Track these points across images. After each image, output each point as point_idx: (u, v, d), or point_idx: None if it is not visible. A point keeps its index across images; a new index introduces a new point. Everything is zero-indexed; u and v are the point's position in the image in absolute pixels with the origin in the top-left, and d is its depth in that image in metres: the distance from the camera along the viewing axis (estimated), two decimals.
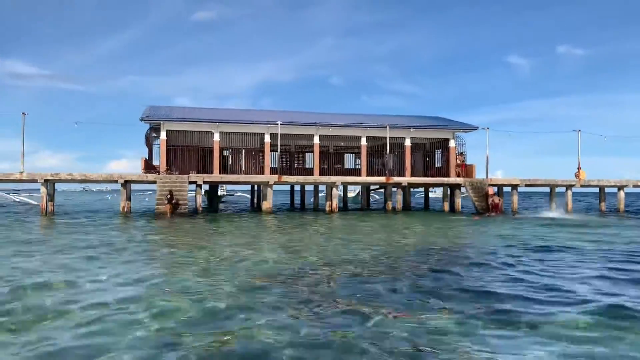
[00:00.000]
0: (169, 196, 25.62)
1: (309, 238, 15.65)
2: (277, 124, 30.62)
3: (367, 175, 32.65)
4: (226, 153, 34.17)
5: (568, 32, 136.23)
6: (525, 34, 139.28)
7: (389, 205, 31.52)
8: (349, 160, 40.36)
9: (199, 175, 27.92)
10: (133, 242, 13.84)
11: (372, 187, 39.02)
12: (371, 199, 44.43)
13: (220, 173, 30.14)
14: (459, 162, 34.16)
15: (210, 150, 31.92)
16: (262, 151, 34.66)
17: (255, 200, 40.52)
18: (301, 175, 33.05)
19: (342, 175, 33.39)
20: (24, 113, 26.00)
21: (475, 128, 34.32)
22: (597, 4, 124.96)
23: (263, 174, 31.27)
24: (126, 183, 26.57)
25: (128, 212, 26.93)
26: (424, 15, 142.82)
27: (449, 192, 32.66)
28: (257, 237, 15.86)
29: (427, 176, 34.93)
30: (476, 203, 29.53)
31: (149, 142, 35.26)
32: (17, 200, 36.55)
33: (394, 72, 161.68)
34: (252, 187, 40.61)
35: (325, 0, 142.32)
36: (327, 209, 30.13)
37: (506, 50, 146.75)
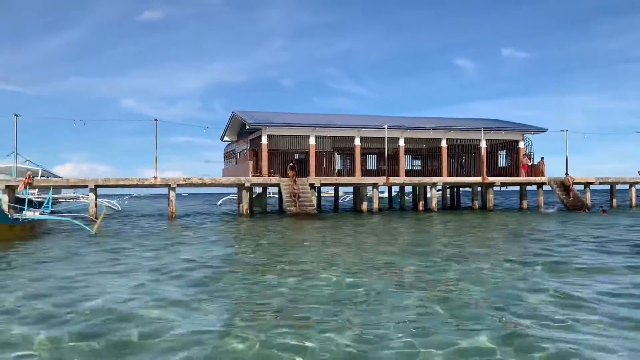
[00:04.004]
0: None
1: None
2: (367, 128, 32.15)
3: (447, 175, 34.43)
4: (297, 156, 35.27)
5: (511, 36, 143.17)
6: (471, 37, 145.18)
7: (476, 204, 33.39)
8: (407, 162, 42.19)
9: (316, 177, 29.03)
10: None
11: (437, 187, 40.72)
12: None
13: (316, 176, 31.30)
14: (525, 162, 36.25)
15: (285, 153, 33.04)
16: (336, 154, 36.15)
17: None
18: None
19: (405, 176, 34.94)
20: (155, 119, 26.53)
21: (544, 130, 36.53)
22: (537, 10, 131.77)
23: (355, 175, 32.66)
24: (252, 186, 27.44)
25: (246, 214, 27.77)
26: (371, 17, 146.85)
27: (526, 191, 34.89)
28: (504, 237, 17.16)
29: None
30: (564, 201, 31.66)
31: (232, 154, 36.48)
32: (108, 205, 36.62)
33: (343, 73, 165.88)
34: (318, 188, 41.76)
35: (273, 2, 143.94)
36: (421, 208, 31.76)
37: (453, 53, 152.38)
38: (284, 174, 30.08)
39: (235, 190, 53.74)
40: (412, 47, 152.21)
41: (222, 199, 52.17)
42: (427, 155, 39.93)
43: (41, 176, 34.02)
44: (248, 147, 34.69)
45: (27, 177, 17.90)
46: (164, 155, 74.11)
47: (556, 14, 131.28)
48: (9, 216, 15.37)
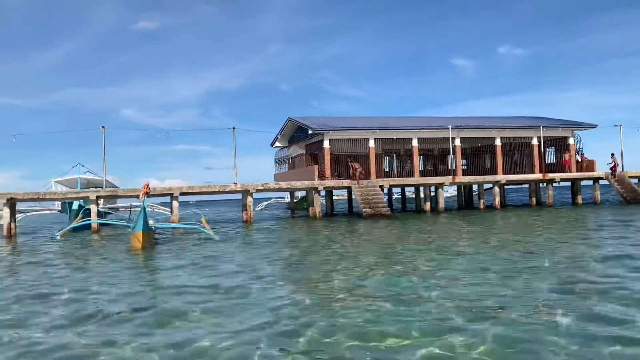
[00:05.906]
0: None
1: None
2: (427, 129, 32.78)
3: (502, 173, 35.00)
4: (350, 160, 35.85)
5: (507, 34, 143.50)
6: (467, 36, 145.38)
7: (533, 201, 33.93)
8: (451, 162, 42.76)
9: (385, 179, 29.66)
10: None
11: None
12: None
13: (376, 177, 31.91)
14: (566, 157, 36.59)
15: (339, 157, 33.49)
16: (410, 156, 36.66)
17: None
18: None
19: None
20: (233, 128, 27.21)
21: (594, 126, 37.00)
22: (531, 6, 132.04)
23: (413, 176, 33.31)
24: (324, 189, 28.10)
25: (319, 217, 28.33)
26: (366, 19, 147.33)
27: (580, 187, 35.41)
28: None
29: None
30: (624, 194, 32.16)
31: (286, 160, 37.24)
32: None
33: (339, 76, 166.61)
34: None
35: (267, 9, 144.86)
36: (482, 206, 32.35)
37: (449, 52, 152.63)
38: (344, 177, 30.69)
39: (280, 195, 54.51)
40: (407, 48, 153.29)
41: (264, 204, 52.73)
42: (471, 154, 40.48)
43: (105, 187, 34.76)
44: (304, 152, 35.33)
45: (145, 186, 18.53)
46: (164, 164, 74.52)
47: (550, 10, 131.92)
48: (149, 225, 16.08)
